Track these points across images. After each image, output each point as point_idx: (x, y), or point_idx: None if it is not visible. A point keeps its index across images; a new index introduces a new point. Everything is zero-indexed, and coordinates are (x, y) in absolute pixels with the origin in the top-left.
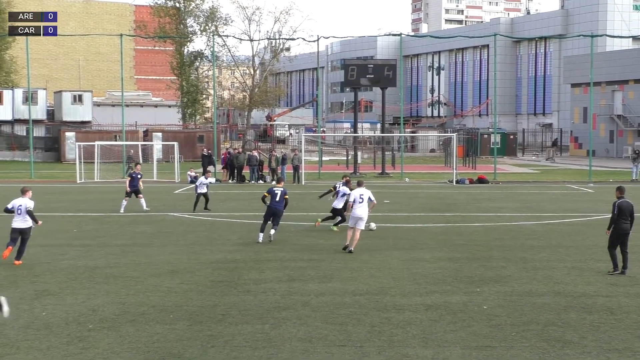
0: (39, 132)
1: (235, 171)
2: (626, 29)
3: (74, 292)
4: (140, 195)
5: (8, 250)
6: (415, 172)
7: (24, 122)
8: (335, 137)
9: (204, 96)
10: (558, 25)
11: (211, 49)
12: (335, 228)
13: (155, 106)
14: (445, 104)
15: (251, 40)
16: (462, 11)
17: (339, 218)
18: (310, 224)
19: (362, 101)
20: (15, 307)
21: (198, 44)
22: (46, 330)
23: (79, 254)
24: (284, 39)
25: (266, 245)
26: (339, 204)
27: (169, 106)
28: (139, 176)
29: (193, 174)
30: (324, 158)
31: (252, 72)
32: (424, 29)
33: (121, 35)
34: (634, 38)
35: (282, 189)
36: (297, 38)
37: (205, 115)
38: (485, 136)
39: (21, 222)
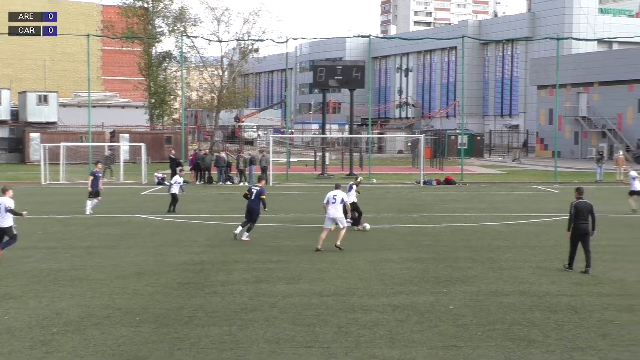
0: (2, 133)
1: (203, 172)
2: (591, 32)
3: (37, 295)
4: (99, 198)
5: None
6: (383, 173)
7: None
8: (304, 138)
9: (172, 97)
10: (525, 28)
11: (180, 50)
12: (356, 227)
13: (123, 107)
14: (413, 105)
15: (220, 41)
16: (430, 13)
17: (356, 214)
18: (276, 225)
19: (330, 102)
20: None
21: (166, 44)
22: (8, 334)
23: (44, 257)
24: (253, 40)
25: (234, 247)
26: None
27: (137, 107)
28: (99, 175)
29: (160, 175)
30: (292, 159)
31: (221, 73)
32: (393, 30)
33: (88, 35)
34: (599, 41)
35: (258, 188)
36: (266, 39)
37: (173, 117)
38: (453, 137)
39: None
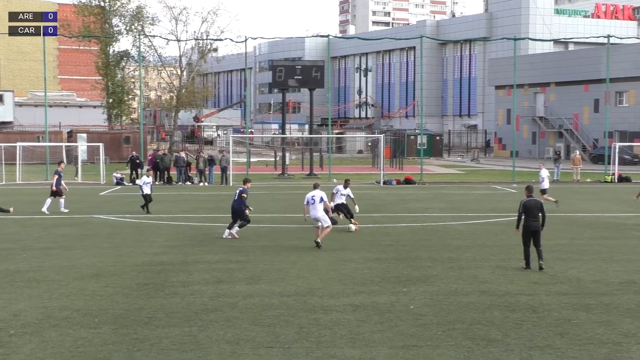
0: None
1: (163, 172)
2: (548, 32)
3: None
4: (64, 196)
5: None
6: (343, 173)
7: None
8: (264, 138)
9: (130, 97)
10: (482, 28)
11: (137, 49)
12: (353, 227)
13: (80, 107)
14: (372, 105)
15: (178, 40)
16: (389, 13)
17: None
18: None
19: (290, 102)
20: None
21: (124, 43)
22: None
23: (0, 258)
24: (212, 39)
25: (194, 247)
26: (339, 200)
27: (94, 107)
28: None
29: (119, 175)
30: (252, 159)
31: (179, 73)
32: (352, 30)
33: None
34: (555, 41)
35: (240, 188)
36: (225, 39)
37: (131, 116)
38: (412, 137)
39: None
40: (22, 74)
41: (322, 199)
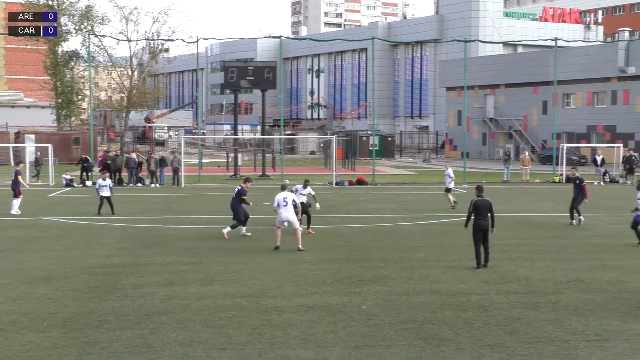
0: None
1: (114, 174)
2: (497, 35)
3: None
4: (21, 196)
5: None
6: (295, 174)
7: None
8: (216, 139)
9: (80, 97)
10: (433, 30)
11: (87, 49)
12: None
13: (28, 107)
14: (324, 106)
15: (129, 40)
16: (341, 15)
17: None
18: (189, 226)
19: (242, 103)
20: None
21: (73, 43)
22: None
23: None
24: (163, 39)
25: (145, 249)
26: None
27: (43, 107)
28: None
29: (69, 177)
30: (204, 160)
31: (130, 73)
32: (304, 31)
33: None
34: (505, 44)
35: (238, 187)
36: (176, 39)
37: (81, 117)
38: (364, 138)
39: None
40: None
41: (293, 201)
